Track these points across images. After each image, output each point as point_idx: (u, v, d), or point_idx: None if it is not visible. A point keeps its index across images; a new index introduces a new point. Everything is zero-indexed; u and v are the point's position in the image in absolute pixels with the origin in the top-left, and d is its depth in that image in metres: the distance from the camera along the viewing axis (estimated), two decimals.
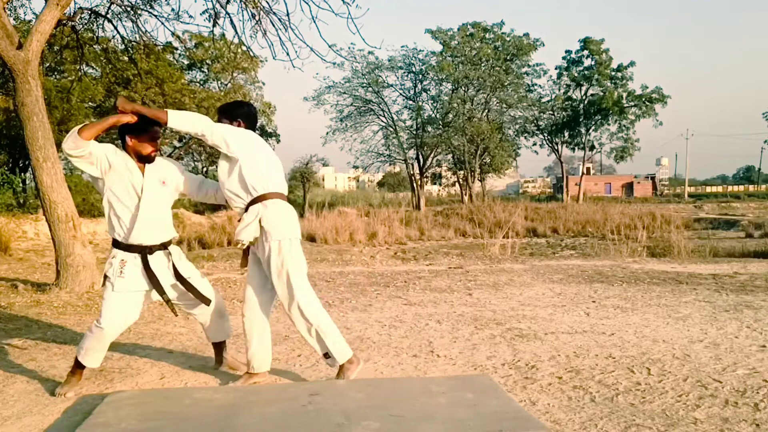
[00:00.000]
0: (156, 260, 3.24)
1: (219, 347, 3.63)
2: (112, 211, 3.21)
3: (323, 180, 68.94)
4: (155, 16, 8.75)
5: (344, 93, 35.16)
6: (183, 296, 3.37)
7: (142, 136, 3.20)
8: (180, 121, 3.11)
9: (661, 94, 37.62)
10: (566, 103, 40.00)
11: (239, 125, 3.33)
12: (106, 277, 3.22)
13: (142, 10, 8.70)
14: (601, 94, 38.00)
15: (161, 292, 3.24)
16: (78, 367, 3.27)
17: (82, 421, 2.74)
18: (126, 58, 14.58)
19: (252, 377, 3.33)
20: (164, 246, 3.29)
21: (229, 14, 7.60)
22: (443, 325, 4.85)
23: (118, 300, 3.18)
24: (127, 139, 3.21)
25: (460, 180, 37.95)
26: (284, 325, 4.93)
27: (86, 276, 6.55)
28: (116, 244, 3.23)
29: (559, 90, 40.58)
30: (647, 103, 37.81)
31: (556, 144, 41.92)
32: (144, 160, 3.24)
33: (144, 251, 3.20)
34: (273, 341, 4.39)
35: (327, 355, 3.22)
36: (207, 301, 3.38)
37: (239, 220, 3.25)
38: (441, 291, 6.59)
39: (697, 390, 3.18)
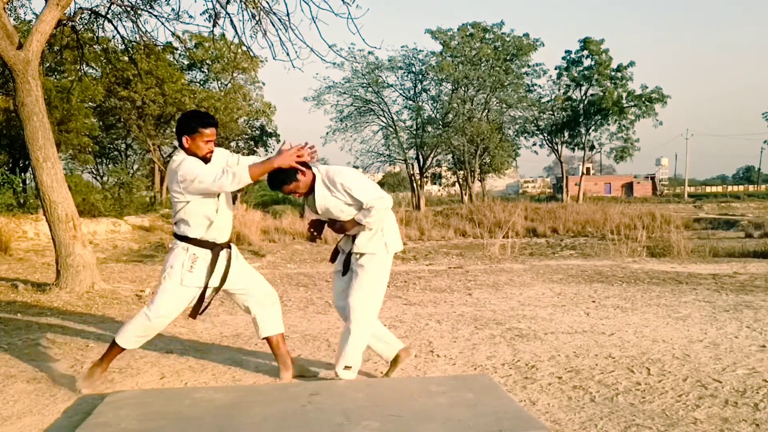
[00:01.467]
0: (222, 257, 3.29)
1: (277, 347, 3.49)
2: (191, 209, 3.17)
3: None
4: (155, 16, 8.74)
5: (344, 93, 35.15)
6: (239, 291, 3.42)
7: (196, 136, 3.14)
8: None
9: (661, 94, 37.60)
10: (566, 103, 39.98)
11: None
12: (169, 268, 3.22)
13: (142, 10, 8.69)
14: (601, 94, 37.98)
15: (218, 287, 3.30)
16: (113, 351, 3.26)
17: (82, 421, 2.74)
18: (126, 58, 14.60)
19: (396, 364, 3.41)
20: (228, 244, 3.35)
21: (229, 14, 7.60)
22: (443, 325, 4.85)
23: (177, 294, 3.21)
24: (184, 140, 3.17)
25: (460, 180, 37.94)
26: (284, 325, 4.92)
27: (86, 276, 6.55)
28: (185, 239, 3.23)
29: (559, 90, 40.57)
30: (647, 103, 37.79)
31: (556, 144, 41.90)
32: (203, 160, 3.20)
33: (215, 248, 3.24)
34: None
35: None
36: (265, 294, 3.43)
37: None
38: (441, 291, 6.59)
39: (697, 390, 3.18)
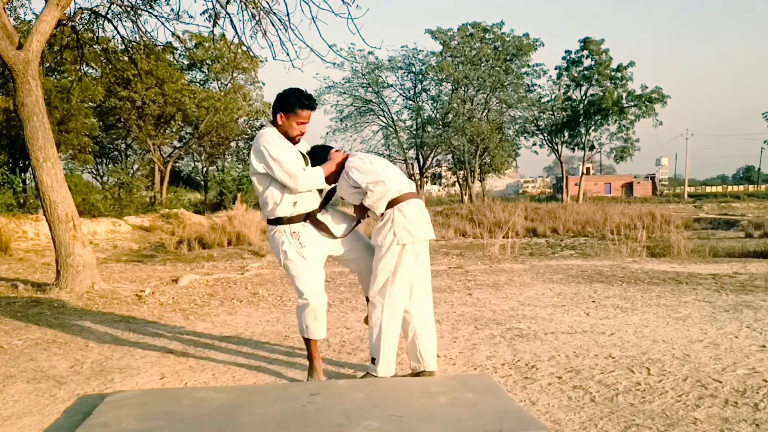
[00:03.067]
0: (320, 217, 3.34)
1: None
2: (277, 191, 3.22)
3: None
4: (155, 16, 8.75)
5: (344, 93, 35.21)
6: (349, 251, 3.45)
7: (292, 116, 3.20)
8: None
9: (660, 94, 37.62)
10: (566, 103, 39.99)
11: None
12: (282, 255, 3.26)
13: (142, 10, 8.69)
14: (601, 94, 37.99)
15: (334, 236, 3.33)
16: (310, 346, 3.33)
17: (82, 421, 2.74)
18: (126, 58, 14.59)
19: (432, 374, 3.41)
20: (322, 207, 3.38)
21: (229, 14, 7.60)
22: (443, 325, 4.85)
23: (308, 268, 3.25)
24: (279, 117, 3.22)
25: (460, 180, 37.96)
26: (284, 325, 4.93)
27: (86, 276, 6.55)
28: (278, 221, 3.26)
29: (559, 90, 40.59)
30: (647, 103, 37.81)
31: (556, 144, 41.92)
32: (291, 141, 3.27)
33: (308, 216, 3.28)
34: (273, 341, 4.40)
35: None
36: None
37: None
38: (441, 291, 6.59)
39: (697, 390, 3.18)
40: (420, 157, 36.44)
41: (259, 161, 3.18)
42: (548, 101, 40.10)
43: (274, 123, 3.24)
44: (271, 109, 3.31)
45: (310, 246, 3.26)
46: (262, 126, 33.92)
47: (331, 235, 3.36)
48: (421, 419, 2.69)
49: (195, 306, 5.84)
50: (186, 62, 29.49)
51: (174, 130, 31.23)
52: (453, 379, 3.42)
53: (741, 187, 72.76)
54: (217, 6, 7.75)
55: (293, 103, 3.15)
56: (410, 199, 3.28)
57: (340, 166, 3.32)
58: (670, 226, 17.30)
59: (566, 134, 41.15)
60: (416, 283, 3.32)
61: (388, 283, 3.24)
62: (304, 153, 3.35)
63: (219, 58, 28.44)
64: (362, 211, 3.39)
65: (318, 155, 3.35)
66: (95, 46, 12.71)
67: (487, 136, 34.14)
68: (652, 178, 68.08)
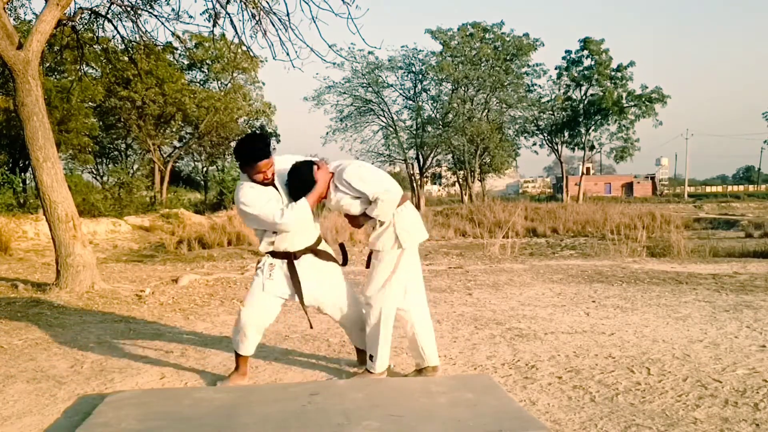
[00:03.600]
0: (302, 264, 3.31)
1: (362, 353, 3.58)
2: (269, 232, 3.25)
3: None
4: (155, 16, 8.75)
5: (344, 93, 35.18)
6: (325, 301, 3.41)
7: (250, 169, 3.16)
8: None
9: (660, 94, 37.63)
10: (566, 103, 40.00)
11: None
12: (255, 275, 3.34)
13: (142, 10, 8.69)
14: (601, 94, 38.00)
15: (300, 299, 3.31)
16: (238, 358, 3.39)
17: (82, 421, 2.74)
18: (126, 58, 14.58)
19: (435, 370, 3.43)
20: (309, 249, 3.34)
21: (229, 14, 7.59)
22: (443, 325, 4.85)
23: (261, 296, 3.30)
24: (244, 169, 3.18)
25: (460, 180, 37.95)
26: (284, 325, 4.93)
27: (86, 276, 6.55)
28: (272, 254, 3.32)
29: (559, 90, 40.61)
30: (647, 103, 37.81)
31: (556, 144, 41.92)
32: (265, 184, 3.23)
33: (290, 257, 3.29)
34: (273, 341, 4.40)
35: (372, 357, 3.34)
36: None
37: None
38: (441, 291, 6.59)
39: (697, 390, 3.18)
40: (420, 157, 36.43)
41: (242, 216, 3.27)
42: (548, 101, 40.11)
43: (246, 173, 3.23)
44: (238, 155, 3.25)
45: (276, 282, 3.29)
46: (262, 126, 33.92)
47: (335, 261, 3.42)
48: (421, 419, 2.69)
49: (195, 306, 5.84)
50: (186, 62, 29.51)
51: (174, 130, 31.26)
52: (453, 379, 3.42)
53: (741, 187, 72.76)
54: (217, 6, 7.75)
55: (247, 158, 3.13)
56: (405, 201, 3.29)
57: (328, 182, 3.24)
58: (670, 226, 17.31)
59: (566, 134, 41.16)
60: (410, 281, 3.33)
61: (387, 283, 3.24)
62: (279, 187, 3.24)
63: (219, 58, 28.47)
64: (357, 220, 3.30)
65: (300, 176, 3.19)
66: (95, 46, 12.72)
67: (487, 136, 34.13)
68: (652, 178, 68.08)
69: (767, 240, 13.94)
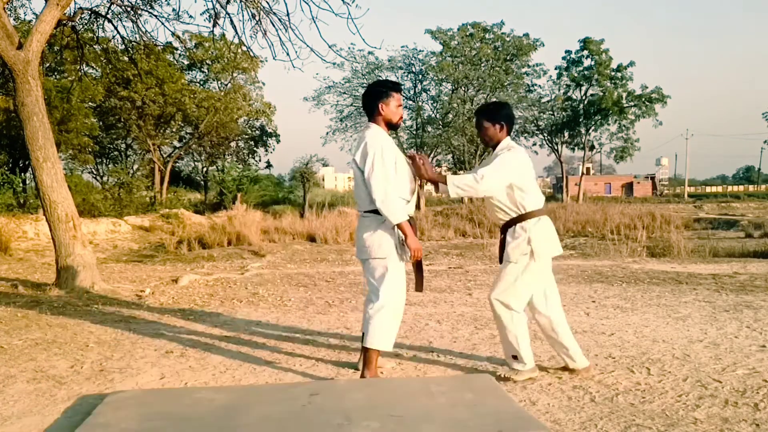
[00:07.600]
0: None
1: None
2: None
3: (323, 180, 68.91)
4: (155, 16, 8.76)
5: (344, 93, 35.15)
6: None
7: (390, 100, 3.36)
8: (455, 189, 3.33)
9: (660, 94, 37.60)
10: (566, 103, 39.97)
11: (501, 128, 3.44)
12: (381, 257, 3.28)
13: (142, 10, 8.69)
14: (601, 94, 37.96)
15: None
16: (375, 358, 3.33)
17: (82, 421, 2.74)
18: (126, 58, 14.60)
19: (587, 370, 3.46)
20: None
21: (229, 14, 7.60)
22: (443, 325, 4.85)
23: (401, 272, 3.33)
24: (380, 107, 3.34)
25: None
26: (284, 325, 4.93)
27: (86, 276, 6.55)
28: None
29: (559, 90, 40.55)
30: (647, 103, 37.77)
31: (556, 144, 41.89)
32: (393, 127, 3.38)
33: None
34: (274, 341, 4.40)
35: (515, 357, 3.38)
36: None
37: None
38: (441, 291, 6.59)
39: (697, 390, 3.18)
40: None
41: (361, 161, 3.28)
42: (548, 101, 40.07)
43: (373, 119, 3.37)
44: (362, 102, 3.44)
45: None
46: (262, 126, 33.88)
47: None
48: (421, 419, 2.68)
49: (195, 306, 5.83)
50: (186, 62, 29.50)
51: (174, 130, 31.26)
52: (453, 379, 3.42)
53: (741, 187, 72.75)
54: (217, 6, 7.75)
55: (389, 88, 3.36)
56: (542, 215, 3.38)
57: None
58: (670, 226, 17.29)
59: (566, 134, 41.11)
60: (547, 287, 3.42)
61: (513, 286, 3.30)
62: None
63: (219, 58, 28.46)
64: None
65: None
66: (95, 46, 12.73)
67: None
68: (652, 178, 68.07)
69: (767, 240, 13.93)
